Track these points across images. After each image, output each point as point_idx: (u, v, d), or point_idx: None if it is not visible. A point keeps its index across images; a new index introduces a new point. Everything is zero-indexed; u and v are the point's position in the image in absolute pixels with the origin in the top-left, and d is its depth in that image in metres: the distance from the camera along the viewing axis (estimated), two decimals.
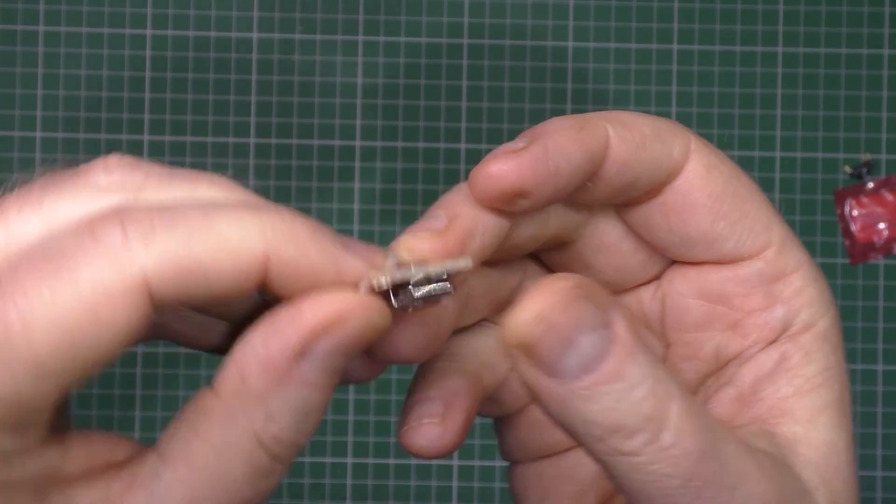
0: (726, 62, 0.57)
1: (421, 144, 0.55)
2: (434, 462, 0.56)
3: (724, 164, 0.25)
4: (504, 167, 0.23)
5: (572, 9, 0.57)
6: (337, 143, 0.56)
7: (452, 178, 0.55)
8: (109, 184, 0.21)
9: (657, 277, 0.27)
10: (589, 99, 0.56)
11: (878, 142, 0.57)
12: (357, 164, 0.56)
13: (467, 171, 0.25)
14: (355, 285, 0.22)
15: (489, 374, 0.27)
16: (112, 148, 0.56)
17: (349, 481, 0.56)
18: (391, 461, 0.56)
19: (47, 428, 0.21)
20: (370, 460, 0.56)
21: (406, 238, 0.23)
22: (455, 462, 0.56)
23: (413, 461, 0.56)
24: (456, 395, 0.25)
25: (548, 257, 0.27)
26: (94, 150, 0.56)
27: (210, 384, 0.21)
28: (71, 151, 0.56)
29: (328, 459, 0.56)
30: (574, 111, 0.56)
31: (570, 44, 0.57)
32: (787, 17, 0.57)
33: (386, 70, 0.57)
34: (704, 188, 0.25)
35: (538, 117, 0.56)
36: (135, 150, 0.56)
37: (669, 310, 0.27)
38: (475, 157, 0.55)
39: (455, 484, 0.56)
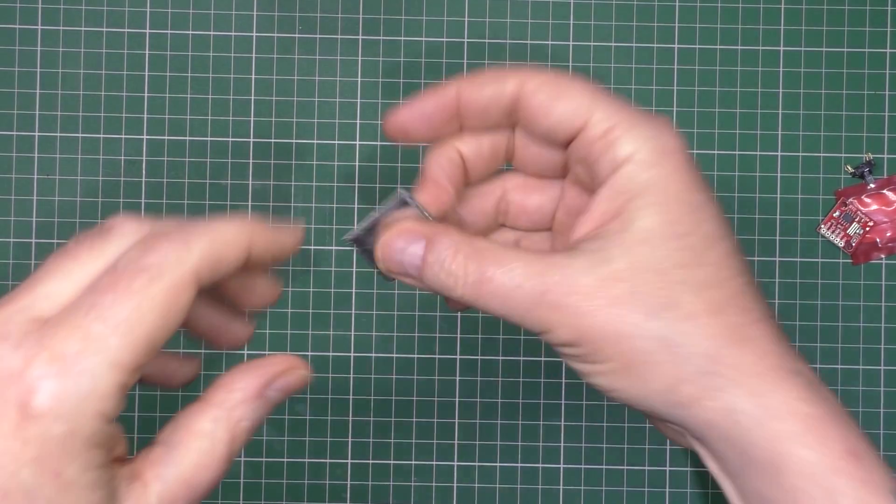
0: (727, 61, 0.56)
1: (421, 144, 0.55)
2: (434, 462, 0.56)
3: (547, 83, 0.35)
4: (395, 116, 0.36)
5: (573, 7, 0.57)
6: (337, 143, 0.56)
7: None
8: (134, 230, 0.32)
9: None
10: None
11: (880, 141, 0.57)
12: (357, 163, 0.56)
13: None
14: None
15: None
16: (111, 147, 0.56)
17: (349, 482, 0.56)
18: (391, 462, 0.56)
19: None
20: (370, 461, 0.56)
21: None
22: (455, 463, 0.56)
23: (413, 461, 0.56)
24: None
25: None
26: (93, 150, 0.56)
27: (200, 398, 0.33)
28: (69, 151, 0.56)
29: (328, 460, 0.56)
30: None
31: (571, 43, 0.57)
32: (789, 15, 0.57)
33: (386, 70, 0.56)
34: (533, 101, 0.35)
35: None
36: (134, 149, 0.56)
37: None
38: None
39: (455, 484, 0.56)
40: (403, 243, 0.34)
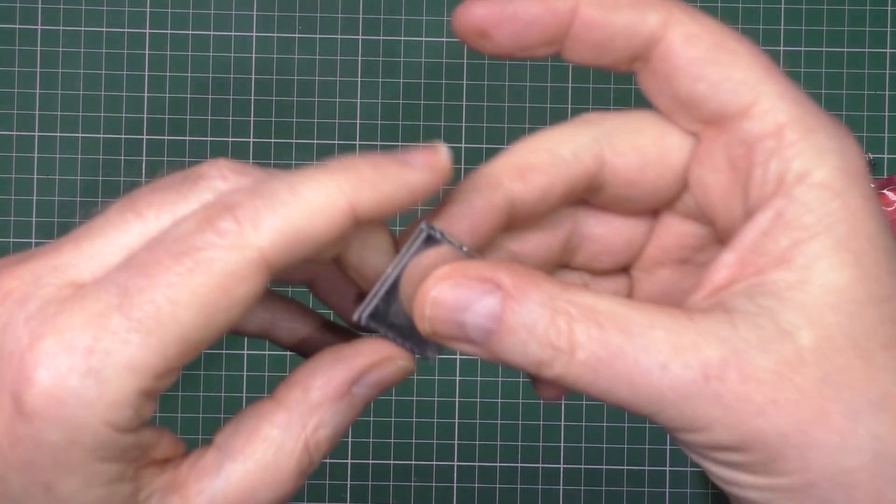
0: None
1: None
2: (434, 462, 0.56)
3: (706, 33, 0.25)
4: (474, 9, 0.26)
5: None
6: (337, 143, 0.56)
7: (453, 178, 0.55)
8: (227, 189, 0.25)
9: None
10: (590, 99, 0.56)
11: (880, 141, 0.57)
12: None
13: (467, 171, 0.27)
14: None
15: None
16: (110, 148, 0.56)
17: (349, 482, 0.56)
18: (391, 462, 0.56)
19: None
20: (370, 461, 0.56)
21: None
22: (455, 463, 0.56)
23: (413, 461, 0.56)
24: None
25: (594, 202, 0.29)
26: (93, 150, 0.56)
27: (271, 395, 0.26)
28: (69, 151, 0.56)
29: (328, 460, 0.56)
30: (575, 111, 0.56)
31: None
32: (789, 15, 0.57)
33: (386, 70, 0.56)
34: (683, 54, 0.25)
35: (538, 116, 0.56)
36: (134, 149, 0.56)
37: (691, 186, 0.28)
38: (475, 157, 0.55)
39: (455, 485, 0.56)
40: (464, 295, 0.24)
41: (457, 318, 0.24)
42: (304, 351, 0.31)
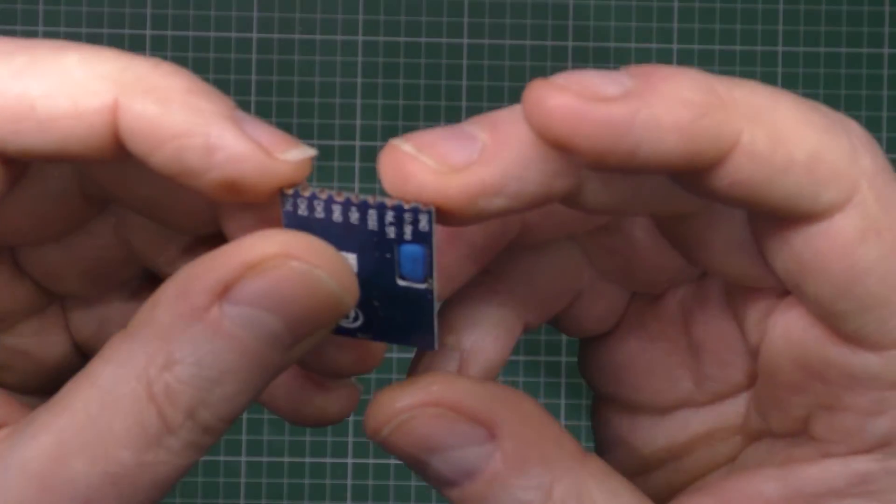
0: (726, 62, 0.57)
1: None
2: None
3: (889, 234, 0.18)
4: (565, 110, 0.16)
5: (571, 9, 0.57)
6: (337, 143, 0.56)
7: None
8: None
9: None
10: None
11: (879, 141, 0.57)
12: (357, 164, 0.56)
13: None
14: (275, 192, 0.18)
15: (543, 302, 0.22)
16: None
17: (349, 481, 0.56)
18: (392, 461, 0.56)
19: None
20: (371, 460, 0.56)
21: (402, 148, 0.18)
22: None
23: None
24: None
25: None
26: None
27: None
28: None
29: (328, 460, 0.56)
30: None
31: (570, 44, 0.57)
32: (787, 16, 0.57)
33: (386, 71, 0.57)
34: (843, 256, 0.18)
35: None
36: None
37: (764, 350, 0.21)
38: None
39: None
40: (443, 437, 0.18)
41: (422, 457, 0.19)
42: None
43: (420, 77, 0.56)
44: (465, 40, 0.57)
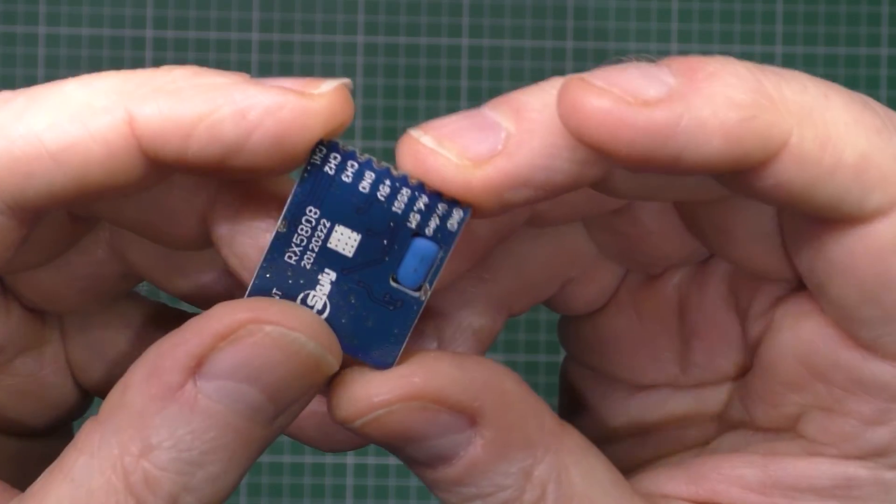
0: None
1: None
2: None
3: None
4: (604, 115, 0.16)
5: (570, 10, 0.57)
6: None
7: None
8: None
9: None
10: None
11: None
12: None
13: None
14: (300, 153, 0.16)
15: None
16: None
17: (350, 481, 0.56)
18: (391, 461, 0.56)
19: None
20: (371, 460, 0.56)
21: (421, 140, 0.17)
22: None
23: None
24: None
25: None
26: None
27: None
28: None
29: (328, 460, 0.56)
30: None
31: (569, 44, 0.57)
32: (786, 17, 0.57)
33: (385, 71, 0.57)
34: (877, 262, 0.17)
35: None
36: None
37: (767, 343, 0.20)
38: None
39: None
40: (423, 427, 0.17)
41: (398, 445, 0.17)
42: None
43: (420, 78, 0.57)
44: (465, 41, 0.57)
